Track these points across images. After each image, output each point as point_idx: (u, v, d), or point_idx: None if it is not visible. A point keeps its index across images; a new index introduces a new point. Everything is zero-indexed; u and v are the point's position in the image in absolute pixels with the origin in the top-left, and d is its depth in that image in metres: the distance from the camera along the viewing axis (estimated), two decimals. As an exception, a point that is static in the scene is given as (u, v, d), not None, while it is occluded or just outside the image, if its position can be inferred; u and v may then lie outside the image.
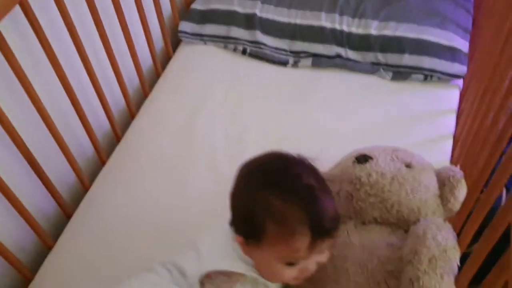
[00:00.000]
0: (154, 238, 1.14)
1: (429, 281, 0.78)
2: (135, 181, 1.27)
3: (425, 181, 0.97)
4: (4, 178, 1.01)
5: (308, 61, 1.50)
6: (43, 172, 1.14)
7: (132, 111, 1.46)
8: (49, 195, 1.18)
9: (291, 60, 1.51)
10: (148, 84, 1.52)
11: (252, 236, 0.80)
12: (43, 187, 1.16)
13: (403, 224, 0.94)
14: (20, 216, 1.09)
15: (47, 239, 1.18)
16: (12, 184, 1.04)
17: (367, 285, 0.86)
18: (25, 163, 1.09)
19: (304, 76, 1.49)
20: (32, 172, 1.11)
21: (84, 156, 1.34)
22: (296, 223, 0.76)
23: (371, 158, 0.99)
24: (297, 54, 1.51)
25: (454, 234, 0.86)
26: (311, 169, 0.83)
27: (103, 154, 1.36)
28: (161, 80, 1.53)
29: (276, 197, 0.77)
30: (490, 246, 0.81)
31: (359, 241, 0.93)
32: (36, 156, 1.10)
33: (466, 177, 0.99)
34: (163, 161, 1.31)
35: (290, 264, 0.80)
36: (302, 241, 0.76)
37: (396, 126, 1.30)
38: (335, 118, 1.35)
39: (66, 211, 1.24)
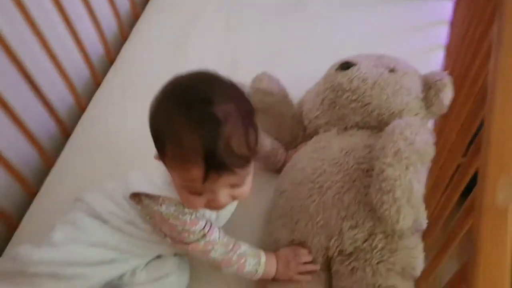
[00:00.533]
0: (150, 154, 1.18)
1: (392, 172, 0.79)
2: (128, 101, 1.30)
3: (407, 84, 0.97)
4: (8, 97, 1.07)
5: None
6: (44, 93, 1.20)
7: (124, 33, 1.48)
8: (49, 115, 1.24)
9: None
10: (139, 4, 1.54)
11: (160, 156, 0.78)
12: (45, 107, 1.22)
13: (383, 127, 0.95)
14: (24, 134, 1.16)
15: (49, 157, 1.25)
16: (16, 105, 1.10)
17: (343, 184, 0.89)
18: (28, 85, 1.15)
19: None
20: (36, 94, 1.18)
21: (81, 79, 1.37)
22: (190, 151, 0.71)
23: (354, 64, 0.99)
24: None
25: (430, 131, 0.87)
26: (233, 98, 0.75)
27: (98, 76, 1.39)
28: (152, 1, 1.54)
29: (180, 120, 0.72)
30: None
31: (338, 145, 0.95)
32: (37, 78, 1.16)
33: (455, 84, 0.99)
34: (155, 82, 1.33)
35: (196, 193, 0.77)
36: (196, 171, 0.71)
37: (388, 37, 1.30)
38: (328, 31, 1.35)
39: (65, 130, 1.29)
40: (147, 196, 0.86)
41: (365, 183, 0.88)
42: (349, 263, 0.87)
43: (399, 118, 0.94)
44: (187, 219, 0.84)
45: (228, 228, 0.93)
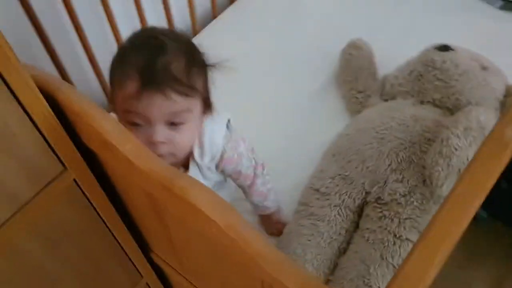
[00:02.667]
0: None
1: (456, 142, 0.86)
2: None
3: (492, 83, 1.04)
4: None
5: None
6: None
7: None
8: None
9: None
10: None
11: (111, 94, 0.79)
12: None
13: (456, 112, 1.02)
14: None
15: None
16: None
17: (403, 142, 0.97)
18: None
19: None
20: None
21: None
22: (129, 67, 0.72)
23: (452, 49, 1.06)
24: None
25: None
26: (184, 44, 0.77)
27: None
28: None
29: (129, 49, 0.76)
30: None
31: (411, 112, 1.03)
32: None
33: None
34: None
35: (134, 124, 0.74)
36: (131, 85, 0.71)
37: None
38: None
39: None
40: None
41: (423, 148, 0.95)
42: (381, 211, 0.95)
43: (475, 109, 1.01)
44: None
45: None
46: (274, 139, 1.17)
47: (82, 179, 0.67)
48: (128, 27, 1.26)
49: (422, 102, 1.07)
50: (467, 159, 0.87)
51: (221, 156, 0.84)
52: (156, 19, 1.37)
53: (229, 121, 0.87)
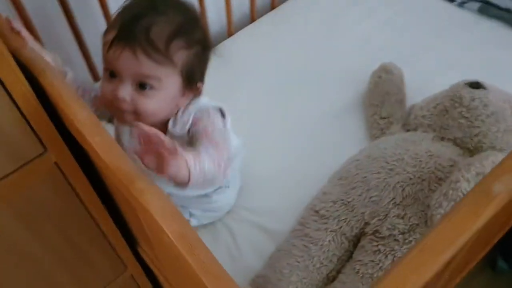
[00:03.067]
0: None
1: (465, 187, 0.81)
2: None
3: (521, 130, 0.97)
4: None
5: (476, 5, 1.46)
6: None
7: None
8: None
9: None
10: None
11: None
12: None
13: (475, 154, 0.96)
14: None
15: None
16: None
17: (412, 177, 0.92)
18: None
19: (464, 19, 1.46)
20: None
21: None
22: (119, 18, 0.73)
23: (484, 88, 1.00)
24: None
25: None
26: (183, 15, 0.76)
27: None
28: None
29: (125, 5, 0.75)
30: None
31: (427, 147, 0.97)
32: None
33: None
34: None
35: (110, 74, 0.74)
36: (111, 34, 0.71)
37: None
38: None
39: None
40: None
41: (432, 187, 0.90)
42: (377, 245, 0.91)
43: (497, 155, 0.94)
44: None
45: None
46: (286, 152, 1.15)
47: (63, 163, 0.67)
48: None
49: (442, 139, 1.01)
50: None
51: (192, 121, 0.79)
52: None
53: (220, 110, 0.82)
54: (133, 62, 0.71)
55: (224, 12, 1.44)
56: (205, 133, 0.77)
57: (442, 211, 0.82)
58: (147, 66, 0.71)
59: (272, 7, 1.56)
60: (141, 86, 0.73)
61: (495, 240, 1.01)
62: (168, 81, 0.74)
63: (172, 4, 0.77)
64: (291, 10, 1.54)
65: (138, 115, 0.75)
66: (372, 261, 0.89)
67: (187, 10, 0.78)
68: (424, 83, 1.21)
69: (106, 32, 0.74)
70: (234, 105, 0.87)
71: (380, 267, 0.88)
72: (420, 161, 0.94)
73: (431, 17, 1.48)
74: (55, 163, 0.67)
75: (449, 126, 1.00)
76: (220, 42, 1.44)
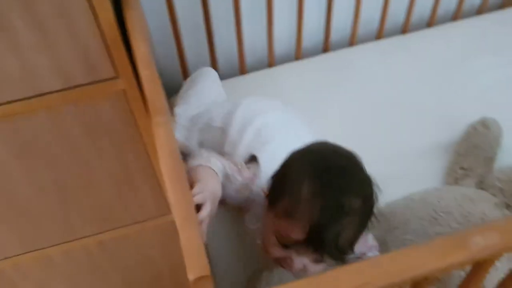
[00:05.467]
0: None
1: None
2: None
3: None
4: None
5: None
6: None
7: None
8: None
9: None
10: None
11: (270, 198, 0.82)
12: None
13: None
14: None
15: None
16: None
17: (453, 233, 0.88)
18: None
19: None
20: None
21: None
22: (303, 220, 0.74)
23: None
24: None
25: None
26: (364, 195, 0.77)
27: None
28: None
29: (312, 185, 0.75)
30: None
31: (483, 210, 0.93)
32: None
33: None
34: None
35: (283, 245, 0.80)
36: (296, 236, 0.75)
37: None
38: None
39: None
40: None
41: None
42: None
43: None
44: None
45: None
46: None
47: (130, 92, 0.78)
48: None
49: (508, 207, 0.94)
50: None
51: None
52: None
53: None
54: (317, 258, 0.78)
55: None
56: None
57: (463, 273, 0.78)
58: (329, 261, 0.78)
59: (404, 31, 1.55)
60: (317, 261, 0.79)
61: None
62: None
63: (353, 185, 0.78)
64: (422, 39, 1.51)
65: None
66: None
67: (364, 184, 0.80)
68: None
69: (285, 214, 0.78)
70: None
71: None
72: (469, 220, 0.89)
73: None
74: (123, 90, 0.78)
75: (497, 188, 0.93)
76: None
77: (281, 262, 0.81)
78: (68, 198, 0.92)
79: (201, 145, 1.05)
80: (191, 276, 0.48)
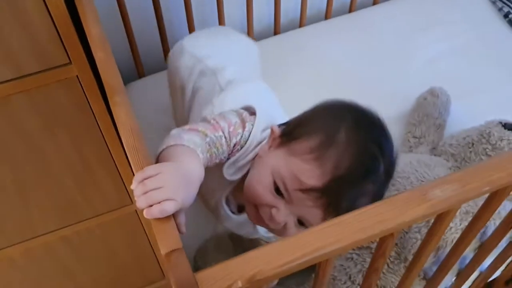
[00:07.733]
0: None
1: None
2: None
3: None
4: None
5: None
6: None
7: None
8: None
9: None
10: None
11: (289, 135, 0.73)
12: None
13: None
14: None
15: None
16: None
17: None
18: None
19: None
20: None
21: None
22: (329, 163, 0.65)
23: (518, 131, 0.96)
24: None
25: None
26: (390, 161, 0.71)
27: None
28: None
29: (350, 130, 0.68)
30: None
31: (438, 174, 0.97)
32: None
33: None
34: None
35: (278, 192, 0.70)
36: (310, 180, 0.66)
37: None
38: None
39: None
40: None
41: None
42: (351, 253, 0.92)
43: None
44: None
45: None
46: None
47: (84, 78, 0.76)
48: None
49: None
50: (452, 242, 0.80)
51: None
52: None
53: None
54: (318, 215, 0.68)
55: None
56: None
57: (419, 236, 0.82)
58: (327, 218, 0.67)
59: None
60: (301, 223, 0.71)
61: None
62: None
63: (385, 146, 0.71)
64: (369, 17, 1.56)
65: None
66: (341, 265, 0.90)
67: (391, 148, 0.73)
68: (473, 119, 1.17)
69: (311, 161, 0.66)
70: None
71: (346, 272, 0.89)
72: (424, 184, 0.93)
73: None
74: (77, 76, 0.76)
75: (470, 160, 0.98)
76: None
77: (262, 215, 0.72)
78: (26, 193, 0.89)
79: (195, 93, 0.99)
80: (163, 250, 0.48)
